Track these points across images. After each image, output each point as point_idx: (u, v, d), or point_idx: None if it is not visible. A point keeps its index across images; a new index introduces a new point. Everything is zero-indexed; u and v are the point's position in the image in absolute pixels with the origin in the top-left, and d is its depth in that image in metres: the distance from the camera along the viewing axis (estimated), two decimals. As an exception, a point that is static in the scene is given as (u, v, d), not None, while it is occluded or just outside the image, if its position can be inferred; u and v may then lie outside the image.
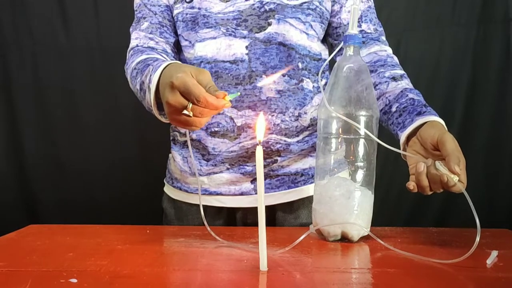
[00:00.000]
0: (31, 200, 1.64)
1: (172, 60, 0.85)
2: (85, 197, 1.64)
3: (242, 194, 0.94)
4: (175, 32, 0.96)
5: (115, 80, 1.60)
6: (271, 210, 0.97)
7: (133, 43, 0.96)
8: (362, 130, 0.74)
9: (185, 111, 0.66)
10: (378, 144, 0.75)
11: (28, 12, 1.60)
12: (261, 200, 0.58)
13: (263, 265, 0.59)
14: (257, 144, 0.58)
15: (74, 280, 0.54)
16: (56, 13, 1.61)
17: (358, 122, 0.75)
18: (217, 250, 0.71)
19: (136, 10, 0.98)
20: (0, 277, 0.57)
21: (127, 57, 0.95)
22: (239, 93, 0.73)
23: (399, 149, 0.80)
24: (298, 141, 0.94)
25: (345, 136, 0.75)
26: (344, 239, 0.76)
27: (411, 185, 0.73)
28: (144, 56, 0.87)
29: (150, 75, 0.76)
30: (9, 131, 1.63)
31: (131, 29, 0.98)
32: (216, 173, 0.94)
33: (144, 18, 0.95)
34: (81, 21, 1.61)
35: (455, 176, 0.69)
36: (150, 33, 0.94)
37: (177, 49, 0.99)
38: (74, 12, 1.61)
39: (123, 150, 1.65)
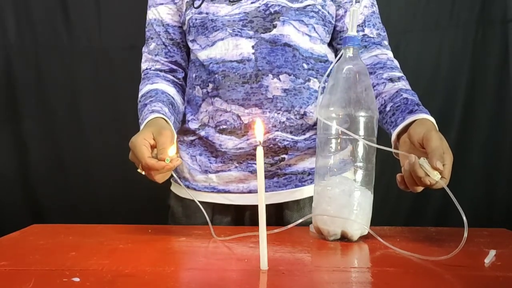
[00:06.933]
0: (34, 202, 1.64)
1: (161, 107, 0.92)
2: (88, 199, 1.63)
3: (250, 192, 0.95)
4: (181, 46, 1.03)
5: (118, 81, 1.60)
6: (278, 208, 0.97)
7: (143, 66, 1.05)
8: (360, 133, 0.75)
9: (138, 170, 0.78)
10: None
11: (31, 13, 1.60)
12: (262, 199, 0.59)
13: (264, 264, 0.60)
14: (258, 145, 0.59)
15: (77, 279, 0.55)
16: (58, 14, 1.61)
17: (357, 123, 0.75)
18: (218, 249, 0.72)
19: (146, 28, 1.05)
20: (4, 276, 0.57)
21: (141, 76, 1.04)
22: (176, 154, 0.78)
23: (391, 147, 0.81)
24: (305, 139, 0.95)
25: (344, 137, 0.76)
26: (344, 238, 0.77)
27: (399, 176, 0.75)
28: (148, 87, 0.98)
29: (140, 123, 0.89)
30: (12, 133, 1.63)
31: (143, 49, 1.05)
32: (225, 171, 0.96)
33: (152, 38, 1.03)
34: (84, 22, 1.61)
35: (437, 173, 0.69)
36: (156, 54, 1.03)
37: (187, 54, 1.04)
38: (76, 13, 1.61)
39: (126, 151, 1.64)
